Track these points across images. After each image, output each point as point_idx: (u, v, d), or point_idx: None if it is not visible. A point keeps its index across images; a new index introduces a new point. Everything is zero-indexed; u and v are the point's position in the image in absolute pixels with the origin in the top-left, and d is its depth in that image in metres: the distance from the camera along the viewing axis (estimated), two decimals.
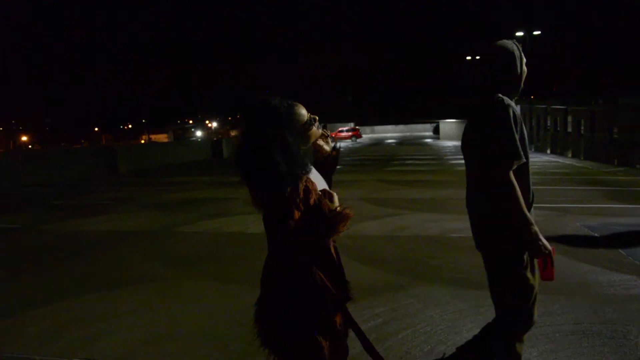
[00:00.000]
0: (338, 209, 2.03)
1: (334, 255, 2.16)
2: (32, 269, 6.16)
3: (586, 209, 8.96)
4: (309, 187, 2.00)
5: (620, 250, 6.03)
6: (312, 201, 1.99)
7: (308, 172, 2.07)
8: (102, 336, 3.98)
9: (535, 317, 2.52)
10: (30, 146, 69.78)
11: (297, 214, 1.93)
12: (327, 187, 2.21)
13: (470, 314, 4.15)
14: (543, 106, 28.29)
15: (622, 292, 4.61)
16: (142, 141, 74.59)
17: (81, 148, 37.87)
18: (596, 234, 6.96)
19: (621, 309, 4.19)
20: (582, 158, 21.80)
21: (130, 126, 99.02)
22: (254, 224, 7.96)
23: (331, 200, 2.05)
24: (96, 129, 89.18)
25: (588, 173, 15.96)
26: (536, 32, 36.81)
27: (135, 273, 5.78)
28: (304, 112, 2.12)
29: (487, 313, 4.14)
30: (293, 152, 1.99)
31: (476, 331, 3.73)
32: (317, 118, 2.21)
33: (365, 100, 55.32)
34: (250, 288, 2.95)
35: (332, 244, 2.18)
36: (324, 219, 1.97)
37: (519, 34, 36.85)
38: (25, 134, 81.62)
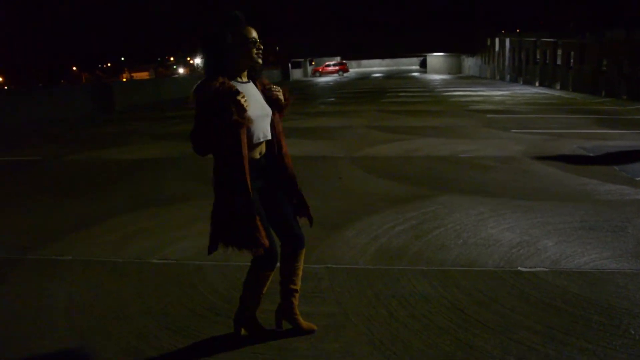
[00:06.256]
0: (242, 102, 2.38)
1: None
2: (76, 194, 6.46)
3: (579, 134, 9.59)
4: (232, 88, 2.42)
5: (614, 167, 6.71)
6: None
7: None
8: (172, 242, 4.47)
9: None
10: (6, 87, 67.90)
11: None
12: (266, 108, 2.61)
13: (492, 216, 4.80)
14: (532, 39, 28.47)
15: (618, 198, 5.29)
16: (124, 79, 73.12)
17: (74, 85, 37.47)
18: (591, 154, 7.63)
19: (619, 210, 4.87)
20: (570, 90, 22.34)
21: (109, 65, 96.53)
22: None
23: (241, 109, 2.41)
24: (74, 68, 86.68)
25: (577, 103, 16.55)
26: None
27: (178, 191, 6.28)
28: (254, 33, 2.48)
29: (506, 215, 4.81)
30: (231, 52, 2.46)
31: (499, 229, 4.41)
32: (258, 43, 2.52)
33: (350, 34, 54.40)
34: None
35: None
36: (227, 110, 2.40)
37: None
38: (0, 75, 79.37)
